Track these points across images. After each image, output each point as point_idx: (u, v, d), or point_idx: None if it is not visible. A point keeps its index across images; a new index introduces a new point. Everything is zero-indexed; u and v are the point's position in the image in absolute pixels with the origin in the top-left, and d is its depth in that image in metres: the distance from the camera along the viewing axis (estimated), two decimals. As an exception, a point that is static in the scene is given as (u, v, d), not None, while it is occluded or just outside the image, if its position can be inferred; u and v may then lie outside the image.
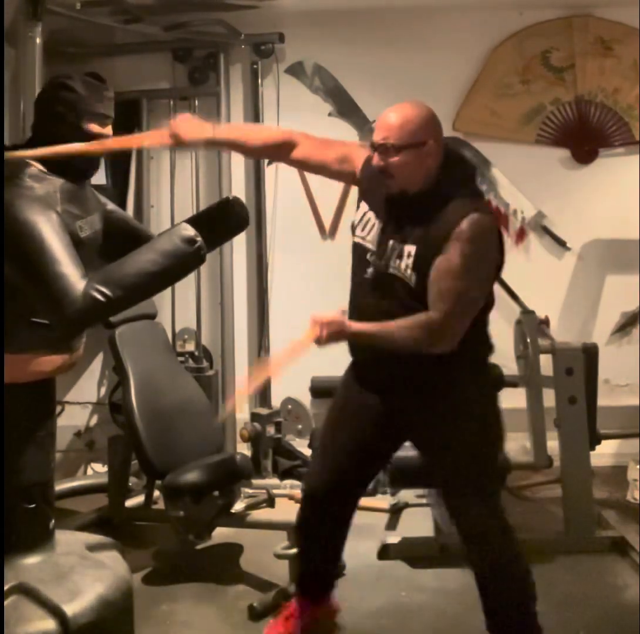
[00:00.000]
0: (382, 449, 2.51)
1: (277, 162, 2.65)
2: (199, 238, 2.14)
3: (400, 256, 2.19)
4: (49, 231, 2.02)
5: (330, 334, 2.16)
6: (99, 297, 1.98)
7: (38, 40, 3.84)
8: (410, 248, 2.17)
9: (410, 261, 2.17)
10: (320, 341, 2.17)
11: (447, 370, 2.23)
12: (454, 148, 2.32)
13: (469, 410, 2.27)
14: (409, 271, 2.18)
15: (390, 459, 2.65)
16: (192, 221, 2.23)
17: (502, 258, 2.25)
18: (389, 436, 2.45)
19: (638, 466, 3.86)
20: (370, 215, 2.29)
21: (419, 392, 2.29)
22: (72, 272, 1.99)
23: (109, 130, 2.24)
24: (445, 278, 2.10)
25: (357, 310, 2.31)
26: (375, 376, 2.37)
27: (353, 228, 2.34)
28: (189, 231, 2.15)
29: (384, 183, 2.21)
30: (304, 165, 2.49)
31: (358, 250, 2.31)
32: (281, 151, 2.44)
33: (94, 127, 2.19)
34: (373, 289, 2.27)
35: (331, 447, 2.49)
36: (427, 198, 2.17)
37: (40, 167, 2.15)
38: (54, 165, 2.17)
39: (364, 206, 2.32)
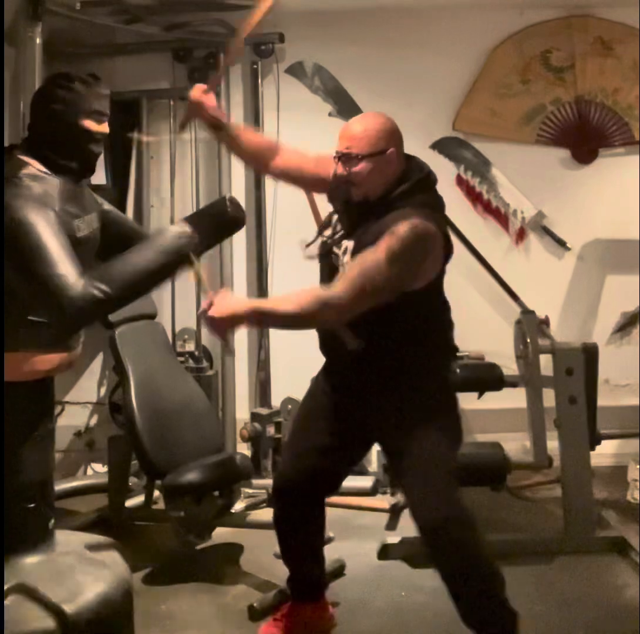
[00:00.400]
0: (349, 450, 2.54)
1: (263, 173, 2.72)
2: (194, 234, 2.16)
3: (345, 253, 2.30)
4: (47, 230, 2.03)
5: (224, 318, 2.14)
6: (98, 293, 1.99)
7: (38, 40, 3.84)
8: (350, 243, 2.28)
9: (347, 257, 2.28)
10: (213, 325, 2.18)
11: (411, 372, 2.32)
12: (417, 159, 2.37)
13: (428, 412, 2.32)
14: (345, 267, 2.28)
15: (359, 461, 2.69)
16: (189, 220, 2.25)
17: (435, 267, 2.27)
18: (355, 437, 2.49)
19: (638, 466, 3.86)
20: (335, 217, 2.40)
21: (382, 394, 2.35)
22: (70, 271, 2.00)
23: (105, 127, 2.25)
24: (357, 262, 2.17)
25: None
26: (344, 376, 2.43)
27: (321, 228, 2.44)
28: (185, 227, 2.18)
29: (346, 191, 2.29)
30: (283, 173, 2.59)
31: (322, 249, 2.40)
32: (266, 156, 2.57)
33: (90, 125, 2.20)
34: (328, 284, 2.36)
35: (299, 446, 2.53)
36: (380, 205, 2.24)
37: (39, 166, 2.15)
38: (52, 164, 2.17)
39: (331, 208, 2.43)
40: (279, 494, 2.56)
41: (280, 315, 2.17)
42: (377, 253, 2.13)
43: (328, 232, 2.40)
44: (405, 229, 2.14)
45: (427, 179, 2.32)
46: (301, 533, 2.60)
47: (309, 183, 2.60)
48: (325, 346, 2.45)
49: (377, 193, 2.26)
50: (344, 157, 2.25)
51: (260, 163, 2.64)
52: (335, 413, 2.46)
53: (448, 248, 2.28)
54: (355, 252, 2.25)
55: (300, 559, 2.64)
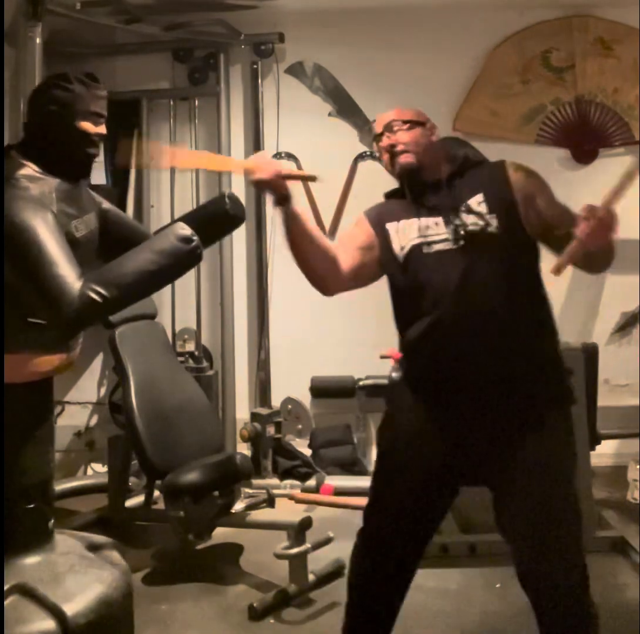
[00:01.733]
0: (448, 495, 2.15)
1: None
2: (195, 237, 2.14)
3: (469, 211, 2.04)
4: (45, 232, 2.02)
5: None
6: (96, 297, 1.98)
7: (38, 40, 3.85)
8: (476, 198, 2.05)
9: (484, 206, 2.03)
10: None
11: (530, 396, 2.02)
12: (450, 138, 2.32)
13: (554, 447, 2.02)
14: (487, 216, 2.03)
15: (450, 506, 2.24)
16: (188, 217, 2.23)
17: None
18: (455, 480, 2.10)
19: (638, 466, 3.86)
20: (398, 225, 2.11)
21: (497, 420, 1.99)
22: (68, 273, 1.99)
23: (102, 129, 2.23)
24: (556, 203, 2.09)
25: (442, 313, 2.01)
26: (455, 404, 2.02)
27: (390, 258, 2.11)
28: (185, 230, 2.15)
29: (397, 164, 2.11)
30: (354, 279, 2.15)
31: (412, 256, 2.06)
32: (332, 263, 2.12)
33: (88, 126, 2.19)
34: (454, 267, 2.00)
35: (390, 492, 2.11)
36: (455, 171, 2.13)
37: (36, 167, 2.15)
38: (49, 165, 2.16)
39: (391, 226, 2.12)
40: (369, 547, 2.14)
41: None
42: (550, 191, 2.10)
43: (403, 241, 2.09)
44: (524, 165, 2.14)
45: (467, 144, 2.30)
46: (383, 593, 2.20)
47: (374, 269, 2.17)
48: (444, 364, 2.02)
49: (427, 163, 2.11)
50: (386, 128, 2.15)
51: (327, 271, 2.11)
52: (435, 457, 2.04)
53: None
54: (489, 197, 2.04)
55: (368, 613, 2.23)
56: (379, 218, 2.17)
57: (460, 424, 2.01)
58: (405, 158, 2.12)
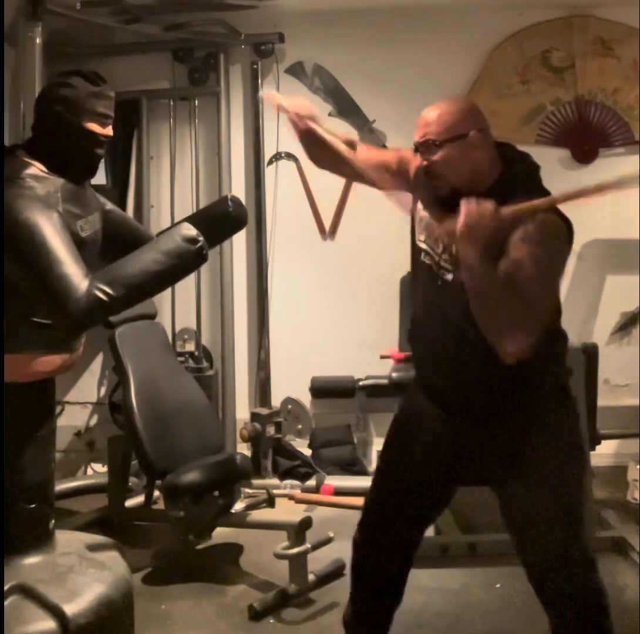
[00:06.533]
0: (445, 490, 2.22)
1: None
2: (200, 238, 2.15)
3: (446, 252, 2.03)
4: (51, 231, 2.02)
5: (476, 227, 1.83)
6: (102, 296, 1.98)
7: (38, 40, 3.85)
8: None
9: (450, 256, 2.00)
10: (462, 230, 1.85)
11: (530, 397, 2.03)
12: (512, 145, 2.11)
13: (556, 444, 2.05)
14: (449, 267, 2.00)
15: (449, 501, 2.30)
16: (191, 219, 2.24)
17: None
18: (454, 475, 2.16)
19: (638, 466, 3.86)
20: (425, 214, 2.11)
21: (497, 424, 2.04)
22: (74, 272, 1.99)
23: (109, 130, 2.24)
24: (520, 281, 1.86)
25: (420, 317, 2.14)
26: (447, 403, 2.09)
27: (413, 231, 2.16)
28: (191, 230, 2.16)
29: (431, 185, 2.03)
30: (362, 169, 2.22)
31: (418, 254, 2.12)
32: (343, 151, 2.25)
33: (94, 127, 2.19)
34: (431, 291, 2.07)
35: (389, 487, 2.23)
36: (486, 196, 1.92)
37: (42, 166, 2.15)
38: (55, 165, 2.17)
39: (420, 206, 2.13)
40: (369, 533, 2.25)
41: (499, 310, 1.84)
42: (529, 269, 1.86)
43: (420, 235, 2.11)
44: (544, 232, 1.93)
45: (534, 166, 2.07)
46: (382, 579, 2.29)
47: (387, 182, 2.22)
48: (425, 367, 2.13)
49: (466, 182, 1.98)
50: (421, 147, 2.00)
51: (337, 158, 2.23)
52: (432, 452, 2.12)
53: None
54: None
55: (372, 603, 2.32)
56: (414, 182, 2.14)
57: (455, 429, 2.08)
58: (438, 186, 2.02)
